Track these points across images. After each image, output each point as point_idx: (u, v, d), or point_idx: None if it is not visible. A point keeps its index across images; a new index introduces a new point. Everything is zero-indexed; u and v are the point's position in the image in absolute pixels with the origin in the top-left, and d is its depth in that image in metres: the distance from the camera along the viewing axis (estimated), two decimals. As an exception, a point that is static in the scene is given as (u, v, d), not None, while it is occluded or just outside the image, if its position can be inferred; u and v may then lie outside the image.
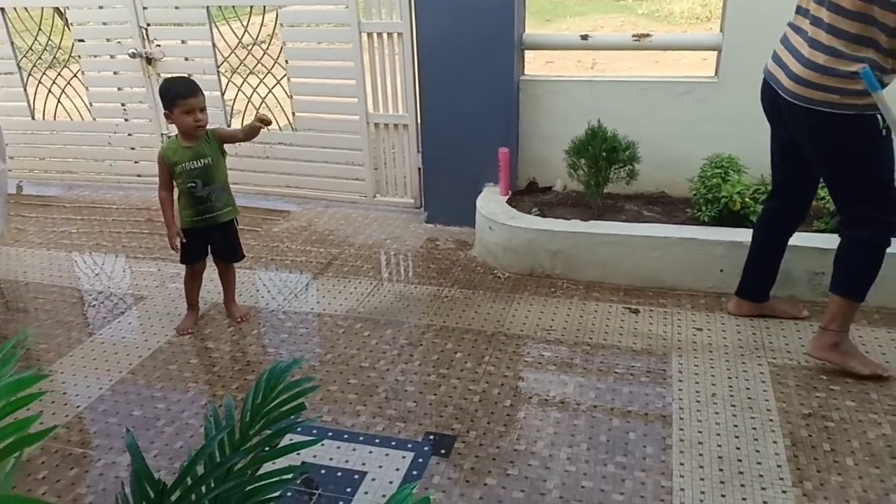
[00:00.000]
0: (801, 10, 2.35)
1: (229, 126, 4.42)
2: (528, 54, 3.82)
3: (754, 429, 2.28)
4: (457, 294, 3.25)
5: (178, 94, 2.74)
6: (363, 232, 3.96)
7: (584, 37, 3.70)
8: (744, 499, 2.01)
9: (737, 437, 2.24)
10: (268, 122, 2.81)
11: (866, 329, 2.81)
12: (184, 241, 2.89)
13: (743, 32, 3.31)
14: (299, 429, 2.27)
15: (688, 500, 2.01)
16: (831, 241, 2.95)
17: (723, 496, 2.02)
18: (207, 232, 2.94)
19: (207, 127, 2.86)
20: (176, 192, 2.90)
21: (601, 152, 3.34)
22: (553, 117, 3.73)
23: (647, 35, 3.59)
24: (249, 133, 2.89)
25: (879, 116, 2.23)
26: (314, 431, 2.34)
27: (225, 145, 2.95)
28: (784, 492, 2.02)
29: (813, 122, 2.33)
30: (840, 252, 2.54)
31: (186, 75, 4.34)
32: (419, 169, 4.05)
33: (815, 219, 3.16)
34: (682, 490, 2.05)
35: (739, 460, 2.15)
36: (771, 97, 2.46)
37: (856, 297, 2.50)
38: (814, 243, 2.96)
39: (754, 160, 3.30)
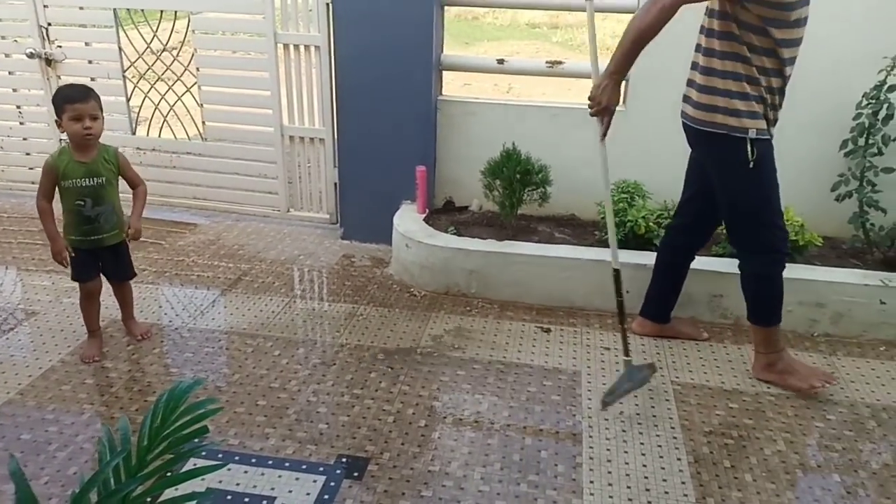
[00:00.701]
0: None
1: (133, 132, 4.23)
2: (447, 76, 3.85)
3: (659, 446, 2.35)
4: (372, 312, 3.21)
5: (67, 99, 2.54)
6: (275, 247, 3.86)
7: (501, 61, 3.78)
8: (650, 515, 2.07)
9: (643, 454, 2.31)
10: (134, 238, 2.81)
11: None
12: (72, 254, 2.69)
13: (648, 63, 3.46)
14: (204, 453, 2.17)
15: (597, 518, 2.05)
16: (729, 265, 3.12)
17: (630, 513, 2.07)
18: (95, 252, 2.76)
19: (115, 150, 2.72)
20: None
21: (515, 174, 3.41)
22: (469, 138, 3.77)
23: (560, 62, 3.70)
24: (133, 209, 2.81)
25: (749, 142, 2.38)
26: (220, 455, 2.24)
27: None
28: (687, 507, 2.10)
29: (699, 140, 2.53)
30: (741, 282, 2.68)
31: (89, 79, 4.14)
32: (335, 184, 4.00)
33: (713, 244, 3.32)
34: (591, 508, 2.09)
35: (646, 477, 2.21)
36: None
37: (766, 323, 2.64)
38: (713, 267, 3.11)
39: (658, 186, 3.46)
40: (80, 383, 2.61)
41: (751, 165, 2.39)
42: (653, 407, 2.57)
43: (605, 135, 2.49)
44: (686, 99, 2.54)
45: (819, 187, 3.38)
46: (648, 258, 3.09)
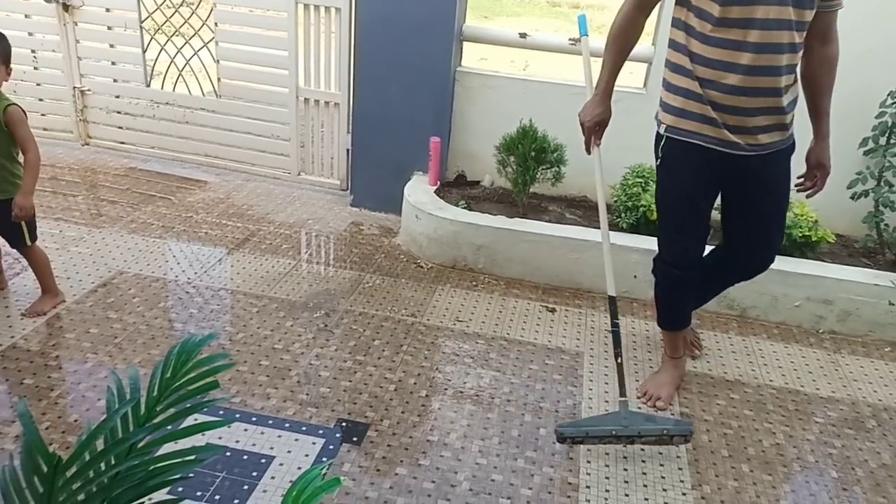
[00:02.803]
0: None
1: (147, 85, 4.19)
2: (465, 48, 3.80)
3: (658, 431, 2.36)
4: (378, 281, 3.20)
5: None
6: (284, 210, 3.85)
7: (523, 34, 3.72)
8: (646, 499, 2.07)
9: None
10: (20, 218, 2.55)
11: (765, 342, 2.96)
12: None
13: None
14: (205, 409, 2.18)
15: (593, 498, 2.06)
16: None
17: (626, 495, 2.08)
18: None
19: (8, 105, 2.49)
20: None
21: (530, 151, 3.37)
22: (486, 112, 3.73)
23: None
24: (25, 172, 2.55)
25: (657, 136, 2.28)
26: (221, 412, 2.25)
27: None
28: (684, 494, 2.10)
29: None
30: None
31: (105, 27, 4.10)
32: (347, 150, 3.96)
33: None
34: (587, 487, 2.09)
35: (643, 461, 2.22)
36: None
37: (658, 324, 2.60)
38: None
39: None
40: (84, 332, 2.62)
41: (657, 162, 2.33)
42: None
43: (588, 149, 2.43)
44: None
45: (835, 184, 3.28)
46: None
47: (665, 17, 3.38)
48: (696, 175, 2.25)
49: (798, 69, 2.14)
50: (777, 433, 2.40)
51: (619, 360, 2.35)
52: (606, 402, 2.49)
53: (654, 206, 3.26)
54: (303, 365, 2.54)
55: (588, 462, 2.19)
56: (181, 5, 4.02)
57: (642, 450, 2.26)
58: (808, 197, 2.45)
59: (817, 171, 2.36)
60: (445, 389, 2.49)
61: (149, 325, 2.71)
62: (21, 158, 2.58)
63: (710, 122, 2.13)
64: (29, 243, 2.68)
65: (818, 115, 2.27)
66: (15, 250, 2.73)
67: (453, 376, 2.56)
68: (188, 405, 1.22)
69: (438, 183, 3.69)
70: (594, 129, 2.40)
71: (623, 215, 3.36)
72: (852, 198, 3.28)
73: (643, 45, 3.86)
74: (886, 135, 3.18)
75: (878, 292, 2.97)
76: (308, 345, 2.67)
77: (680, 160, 2.25)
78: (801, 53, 2.10)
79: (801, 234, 3.10)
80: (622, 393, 2.30)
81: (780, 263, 3.03)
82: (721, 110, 2.10)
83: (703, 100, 2.11)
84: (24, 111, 2.55)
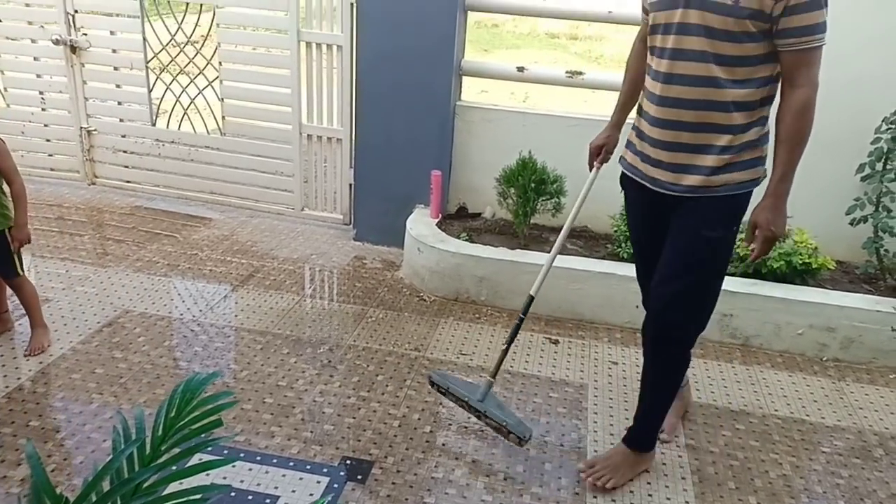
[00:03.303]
0: None
1: (153, 124, 4.26)
2: (464, 82, 3.86)
3: (664, 464, 2.35)
4: (381, 315, 3.22)
5: None
6: (288, 245, 3.88)
7: (521, 68, 3.78)
8: (652, 533, 2.06)
9: (647, 471, 2.31)
10: (19, 246, 2.66)
11: (769, 371, 2.96)
12: None
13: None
14: (209, 448, 2.18)
15: (599, 533, 2.05)
16: (741, 284, 3.12)
17: (632, 530, 2.07)
18: None
19: None
20: None
21: (530, 183, 3.41)
22: (486, 145, 3.78)
23: (580, 73, 3.70)
24: (15, 205, 2.62)
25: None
26: (225, 451, 2.26)
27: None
28: (689, 527, 2.09)
29: None
30: None
31: (112, 68, 4.19)
32: (350, 185, 4.01)
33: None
34: (593, 523, 2.09)
35: (650, 495, 2.21)
36: None
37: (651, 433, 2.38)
38: (724, 286, 3.08)
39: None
40: (89, 372, 2.63)
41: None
42: (658, 424, 2.56)
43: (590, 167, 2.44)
44: None
45: (834, 210, 3.36)
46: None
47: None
48: (634, 210, 2.28)
49: (754, 111, 1.94)
50: (784, 464, 2.39)
51: (505, 347, 2.43)
52: (612, 434, 2.48)
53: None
54: (307, 402, 2.55)
55: (594, 498, 2.18)
56: (186, 45, 4.10)
57: (649, 483, 2.25)
58: (751, 262, 2.39)
59: (754, 230, 1.99)
60: (450, 424, 2.49)
61: (154, 364, 2.72)
62: (6, 190, 2.64)
63: (638, 154, 2.12)
64: (21, 273, 2.73)
65: (773, 165, 1.93)
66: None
67: (457, 411, 2.55)
68: (193, 444, 1.24)
69: (440, 215, 3.72)
70: (594, 150, 2.44)
71: (623, 245, 3.39)
72: (851, 223, 3.29)
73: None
74: (883, 160, 3.20)
75: (881, 318, 2.97)
76: (312, 381, 2.68)
77: (626, 194, 2.30)
78: (739, 90, 1.88)
79: (801, 261, 3.11)
80: (493, 374, 2.41)
81: (782, 291, 3.06)
82: (646, 141, 2.06)
83: (636, 129, 2.14)
84: (3, 142, 2.60)
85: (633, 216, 2.31)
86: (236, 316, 3.12)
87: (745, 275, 3.18)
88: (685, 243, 2.05)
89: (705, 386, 2.82)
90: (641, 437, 2.27)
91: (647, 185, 2.09)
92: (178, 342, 2.90)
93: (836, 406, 2.74)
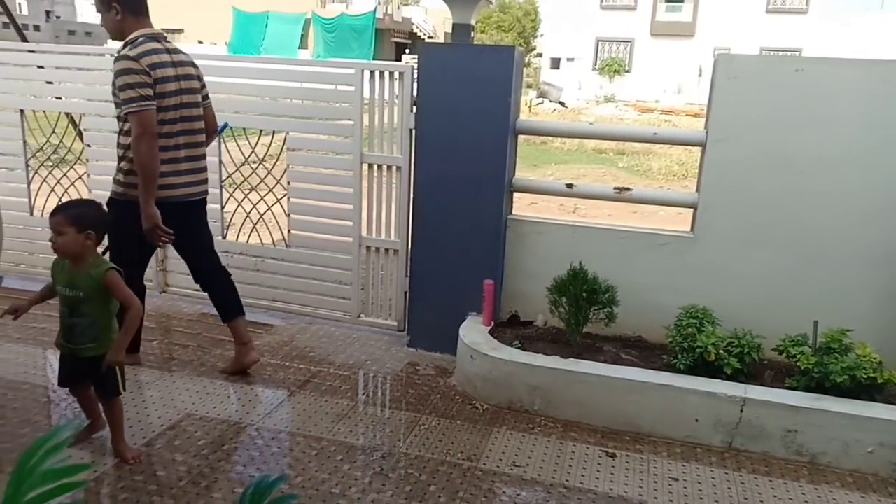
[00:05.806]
0: None
1: (224, 237, 4.52)
2: (516, 194, 4.02)
3: (729, 588, 2.23)
4: (434, 422, 3.23)
5: None
6: (344, 351, 3.97)
7: (570, 185, 3.93)
8: None
9: None
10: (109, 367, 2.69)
11: (840, 492, 2.82)
12: (11, 314, 2.73)
13: (717, 193, 3.55)
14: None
15: None
16: (805, 399, 3.04)
17: None
18: (73, 359, 2.75)
19: (106, 270, 2.66)
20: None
21: (581, 292, 3.46)
22: (537, 255, 3.88)
23: (628, 189, 3.82)
24: (123, 328, 2.70)
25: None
26: (278, 558, 2.25)
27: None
28: None
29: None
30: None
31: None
32: (405, 293, 4.13)
33: (787, 376, 3.24)
34: None
35: None
36: None
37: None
38: (787, 400, 3.01)
39: (727, 314, 3.43)
40: (151, 475, 2.70)
41: None
42: (722, 545, 2.45)
43: None
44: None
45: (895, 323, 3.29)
46: (720, 386, 3.06)
47: (707, 161, 3.55)
48: None
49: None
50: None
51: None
52: (672, 554, 2.38)
53: (710, 347, 3.25)
54: (360, 510, 2.55)
55: None
56: (258, 165, 4.42)
57: None
58: None
59: None
60: (503, 538, 2.44)
61: (212, 467, 2.78)
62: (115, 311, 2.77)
63: None
64: (122, 391, 2.78)
65: None
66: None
67: (511, 524, 2.51)
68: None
69: (493, 323, 3.78)
70: None
71: (679, 356, 3.35)
72: (917, 337, 3.20)
73: (689, 192, 4.03)
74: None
75: (957, 437, 2.83)
76: (364, 490, 2.68)
77: None
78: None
79: (865, 376, 3.02)
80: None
81: (848, 406, 2.96)
82: None
83: None
84: (120, 272, 2.73)
85: None
86: (293, 421, 3.18)
87: (807, 388, 3.10)
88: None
89: (771, 505, 2.69)
90: None
91: None
92: (237, 447, 2.96)
93: (916, 531, 2.58)
